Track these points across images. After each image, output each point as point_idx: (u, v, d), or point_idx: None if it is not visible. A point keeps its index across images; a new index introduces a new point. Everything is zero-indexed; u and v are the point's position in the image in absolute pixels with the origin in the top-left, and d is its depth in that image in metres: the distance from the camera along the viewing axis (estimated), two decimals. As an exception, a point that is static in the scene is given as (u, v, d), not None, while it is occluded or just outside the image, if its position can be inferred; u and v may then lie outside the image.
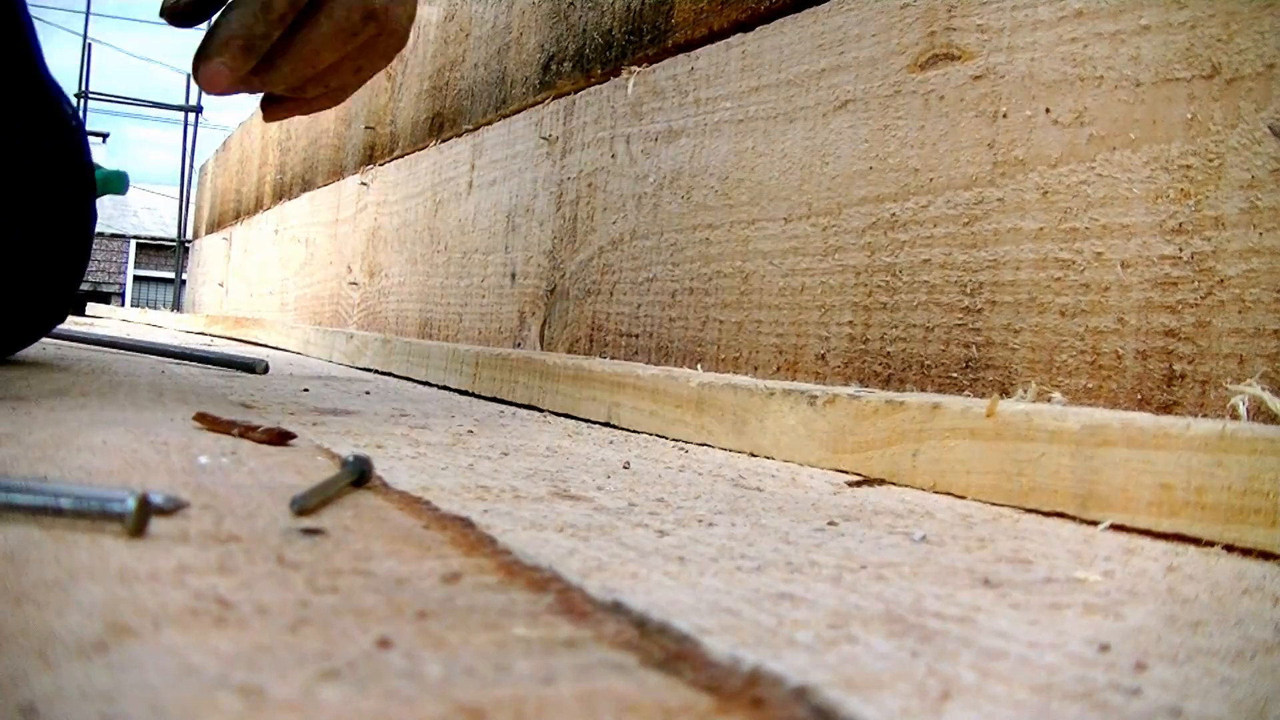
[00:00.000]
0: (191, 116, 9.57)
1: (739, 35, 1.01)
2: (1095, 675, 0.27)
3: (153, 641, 0.25)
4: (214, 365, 1.40)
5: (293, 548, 0.36)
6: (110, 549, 0.34)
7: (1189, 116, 0.62)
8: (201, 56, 0.79)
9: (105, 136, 18.27)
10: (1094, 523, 0.50)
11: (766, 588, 0.35)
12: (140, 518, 0.35)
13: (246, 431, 0.66)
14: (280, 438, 0.64)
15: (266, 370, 1.34)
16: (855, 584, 0.36)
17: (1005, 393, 0.71)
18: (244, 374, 1.31)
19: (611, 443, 0.77)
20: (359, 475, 0.50)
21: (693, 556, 0.39)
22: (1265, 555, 0.44)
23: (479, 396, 1.18)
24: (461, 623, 0.28)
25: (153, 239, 20.22)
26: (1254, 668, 0.29)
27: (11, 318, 1.13)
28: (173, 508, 0.38)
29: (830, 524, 0.48)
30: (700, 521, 0.47)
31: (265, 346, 2.29)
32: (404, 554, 0.36)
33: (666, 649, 0.27)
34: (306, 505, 0.42)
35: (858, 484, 0.60)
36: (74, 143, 1.15)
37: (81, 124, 1.20)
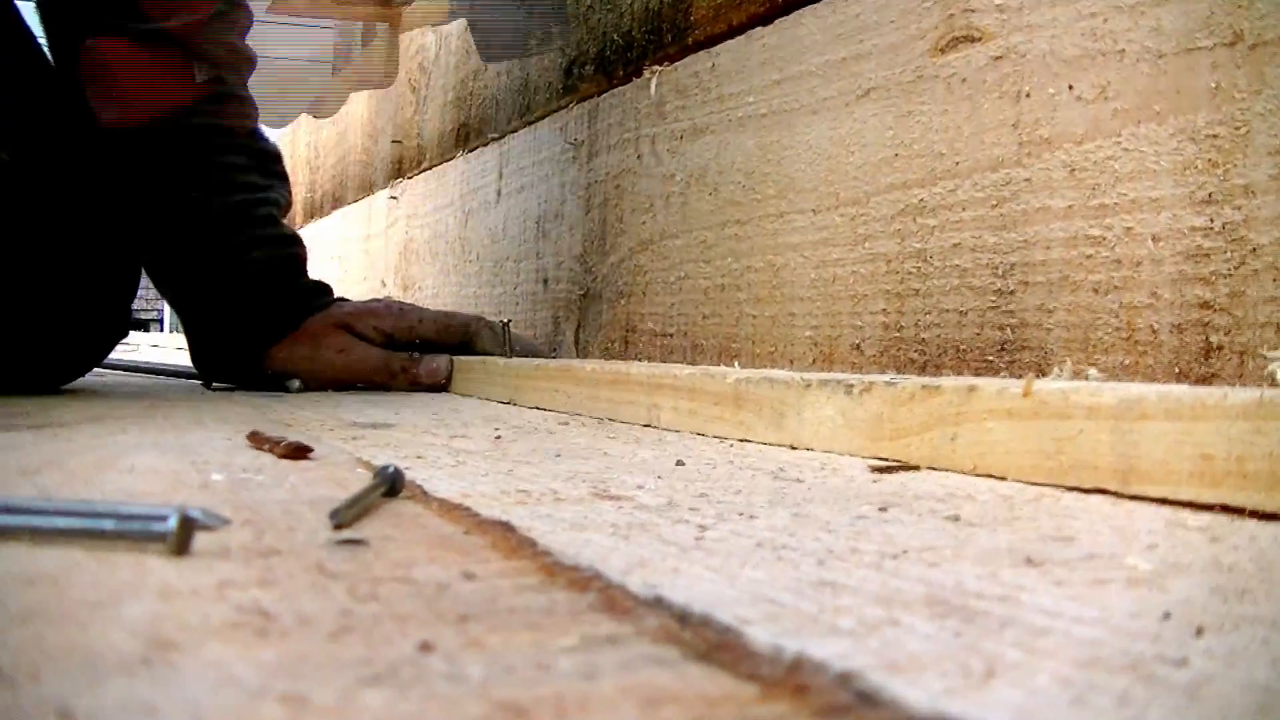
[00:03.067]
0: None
1: (758, 29, 1.01)
2: (1141, 648, 0.27)
3: (194, 655, 0.25)
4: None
5: (333, 558, 0.37)
6: (152, 567, 0.35)
7: (1213, 85, 0.62)
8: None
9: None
10: (1136, 497, 0.50)
11: (808, 577, 0.35)
12: (182, 535, 0.35)
13: (273, 447, 0.66)
14: (297, 452, 0.65)
15: (301, 389, 1.34)
16: (897, 569, 0.36)
17: (1041, 373, 0.70)
18: (296, 392, 1.31)
19: (650, 443, 0.77)
20: (390, 485, 0.50)
21: (734, 549, 0.39)
22: (1310, 522, 0.43)
23: (520, 407, 1.18)
24: (503, 624, 0.29)
25: (188, 264, 20.33)
26: (1302, 633, 0.29)
27: (60, 342, 1.13)
28: (215, 524, 0.38)
29: (871, 511, 0.48)
30: (741, 515, 0.47)
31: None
32: (445, 560, 0.37)
33: (708, 641, 0.27)
34: (344, 519, 0.42)
35: (897, 470, 0.60)
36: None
37: None
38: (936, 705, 0.23)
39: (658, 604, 0.31)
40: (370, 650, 0.26)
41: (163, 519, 0.35)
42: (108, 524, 0.36)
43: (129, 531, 0.36)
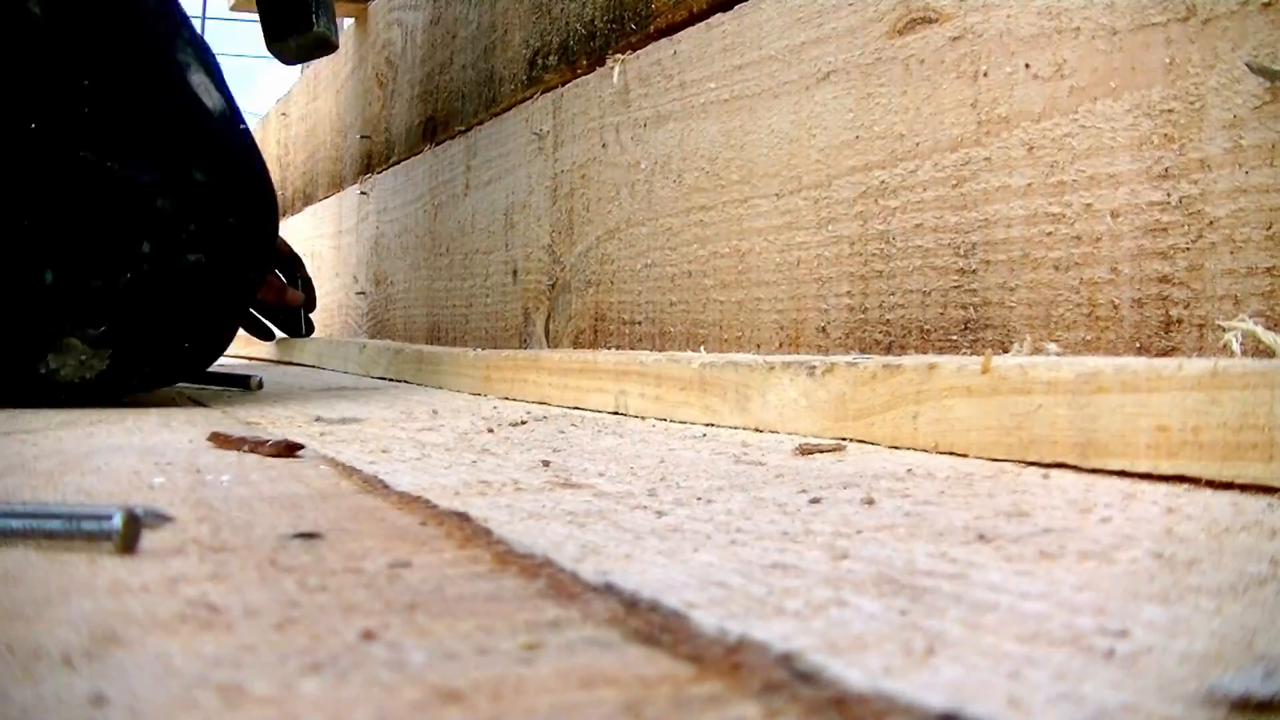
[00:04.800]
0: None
1: (719, 15, 1.01)
2: (1083, 621, 0.27)
3: (137, 648, 0.25)
4: (210, 385, 1.39)
5: (286, 552, 0.36)
6: (105, 565, 0.35)
7: (1168, 60, 0.62)
8: None
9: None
10: (1095, 471, 0.50)
11: (760, 559, 0.35)
12: (128, 533, 0.35)
13: (256, 447, 0.66)
14: (289, 450, 0.65)
15: (261, 386, 1.33)
16: (849, 549, 0.36)
17: (1004, 351, 0.70)
18: (255, 390, 1.30)
19: (617, 431, 0.77)
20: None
21: (689, 534, 0.39)
22: (1264, 489, 0.43)
23: (490, 398, 1.18)
24: (449, 612, 0.29)
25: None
26: (1245, 602, 0.29)
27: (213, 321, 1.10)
28: (158, 522, 0.38)
29: (829, 492, 0.48)
30: (699, 500, 0.47)
31: (280, 363, 2.30)
32: (398, 551, 0.37)
33: (653, 624, 0.27)
34: None
35: (859, 450, 0.60)
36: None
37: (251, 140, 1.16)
38: (874, 684, 0.23)
39: (607, 590, 0.31)
40: (314, 640, 0.26)
41: (109, 518, 0.35)
42: (55, 524, 0.36)
43: (76, 531, 0.35)
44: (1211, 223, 0.60)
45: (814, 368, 0.66)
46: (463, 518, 0.42)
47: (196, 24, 1.31)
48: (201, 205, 1.03)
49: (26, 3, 1.00)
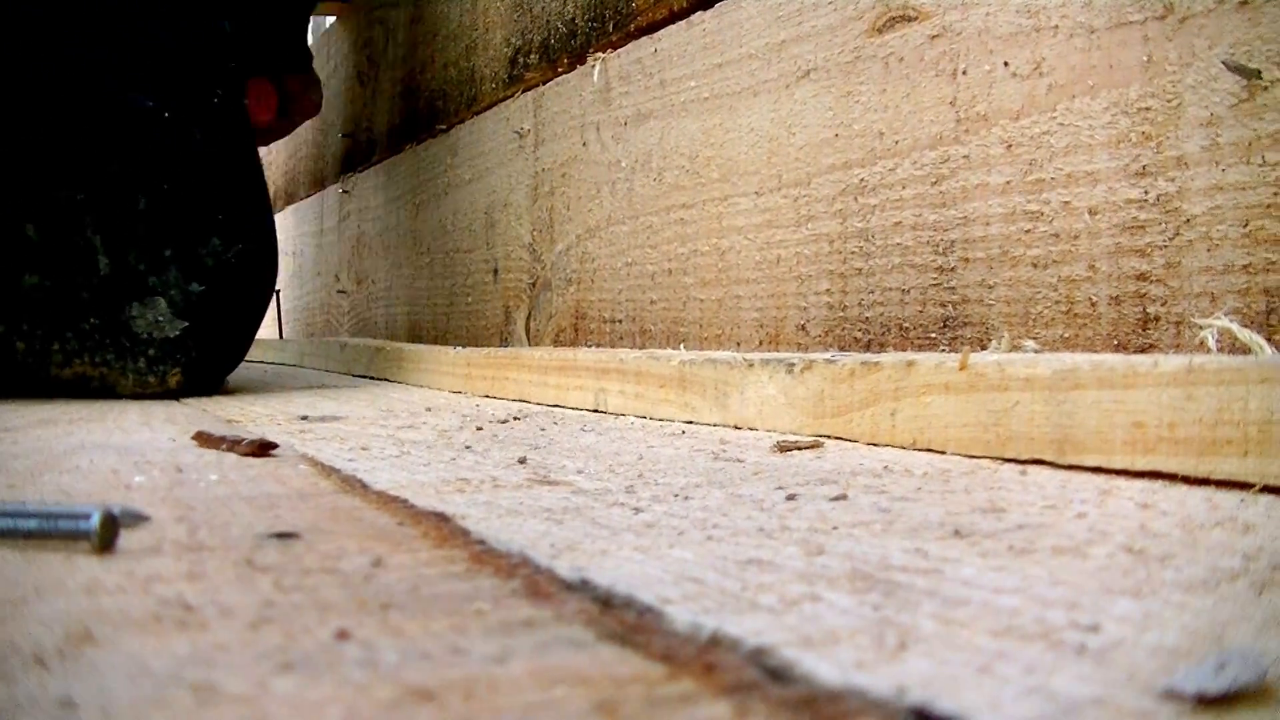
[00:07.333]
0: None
1: (699, 14, 1.01)
2: (1055, 615, 0.28)
3: (111, 647, 0.25)
4: None
5: (263, 552, 0.36)
6: (81, 564, 0.34)
7: (1145, 59, 0.62)
8: None
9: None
10: (1072, 467, 0.50)
11: (735, 555, 0.35)
12: (106, 533, 0.35)
13: (234, 445, 0.66)
14: (263, 449, 0.65)
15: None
16: (825, 545, 0.36)
17: (983, 348, 0.71)
18: (235, 390, 1.31)
19: (596, 428, 0.77)
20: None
21: (665, 530, 0.40)
22: (1239, 485, 0.44)
23: (470, 396, 1.18)
24: (424, 611, 0.29)
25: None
26: (1217, 596, 0.29)
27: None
28: (135, 522, 0.38)
29: (806, 488, 0.48)
30: (676, 496, 0.47)
31: (260, 363, 2.29)
32: (374, 550, 0.37)
33: (626, 622, 0.27)
34: None
35: (837, 447, 0.60)
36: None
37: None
38: (846, 678, 0.23)
39: (583, 587, 0.31)
40: (288, 639, 0.26)
41: (87, 517, 0.35)
42: (32, 524, 0.36)
43: (53, 530, 0.35)
44: (1189, 220, 0.60)
45: (793, 365, 0.66)
46: (440, 517, 0.42)
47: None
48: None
49: None
